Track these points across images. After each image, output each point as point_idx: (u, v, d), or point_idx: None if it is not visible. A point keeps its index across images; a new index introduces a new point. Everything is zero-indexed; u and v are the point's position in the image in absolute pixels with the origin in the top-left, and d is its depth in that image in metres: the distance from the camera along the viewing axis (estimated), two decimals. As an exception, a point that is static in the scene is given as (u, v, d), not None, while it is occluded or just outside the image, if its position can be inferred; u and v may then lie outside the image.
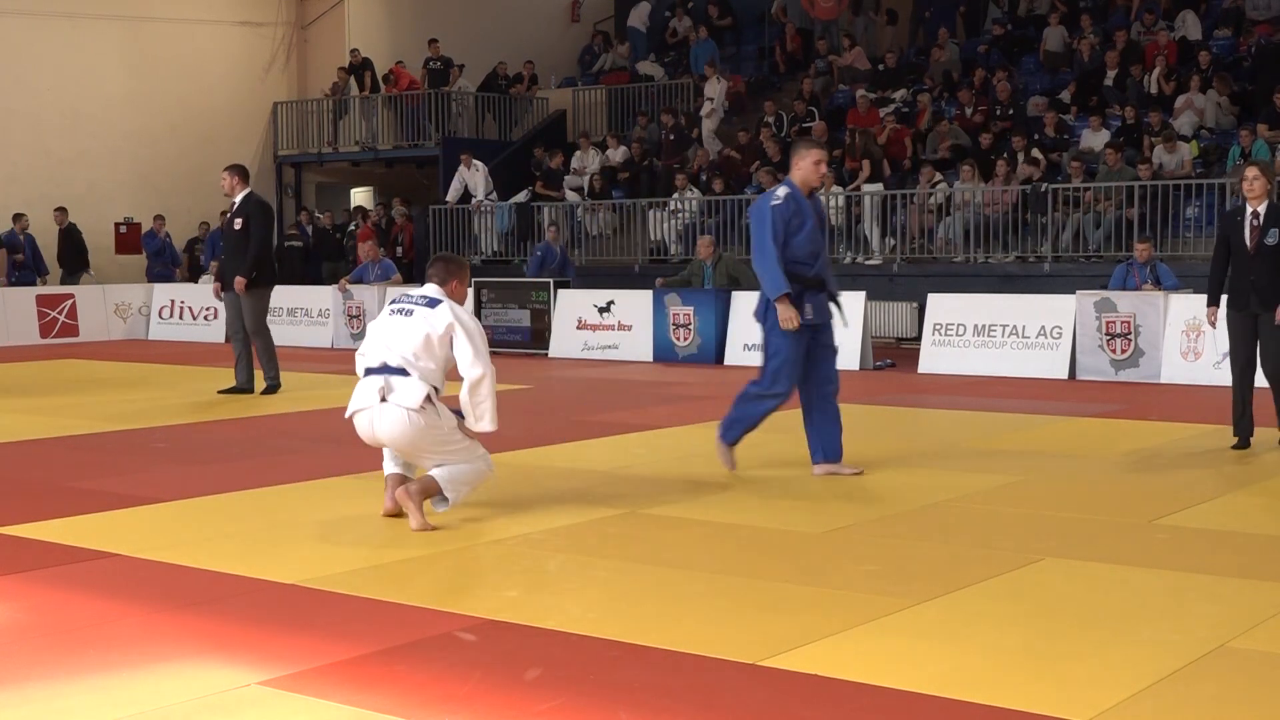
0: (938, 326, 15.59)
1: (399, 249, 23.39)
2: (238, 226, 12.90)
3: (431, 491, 7.01)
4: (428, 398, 6.91)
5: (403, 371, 6.95)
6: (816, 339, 8.43)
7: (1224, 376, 13.44)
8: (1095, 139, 19.11)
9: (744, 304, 16.85)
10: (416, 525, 6.87)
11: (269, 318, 13.34)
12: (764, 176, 20.91)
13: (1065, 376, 14.52)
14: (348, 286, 20.00)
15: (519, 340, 18.69)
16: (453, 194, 23.80)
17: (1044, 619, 5.25)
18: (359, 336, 19.59)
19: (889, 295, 18.44)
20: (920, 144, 21.16)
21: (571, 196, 23.31)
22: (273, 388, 13.21)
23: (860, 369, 15.61)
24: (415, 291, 7.29)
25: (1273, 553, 6.36)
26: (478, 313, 19.18)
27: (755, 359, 16.79)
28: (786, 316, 8.23)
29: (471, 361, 7.01)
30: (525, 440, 10.08)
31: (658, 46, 27.59)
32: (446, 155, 24.92)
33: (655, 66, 26.74)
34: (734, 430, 8.68)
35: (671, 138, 23.36)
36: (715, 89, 24.09)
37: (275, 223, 13.46)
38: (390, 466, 7.27)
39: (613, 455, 9.51)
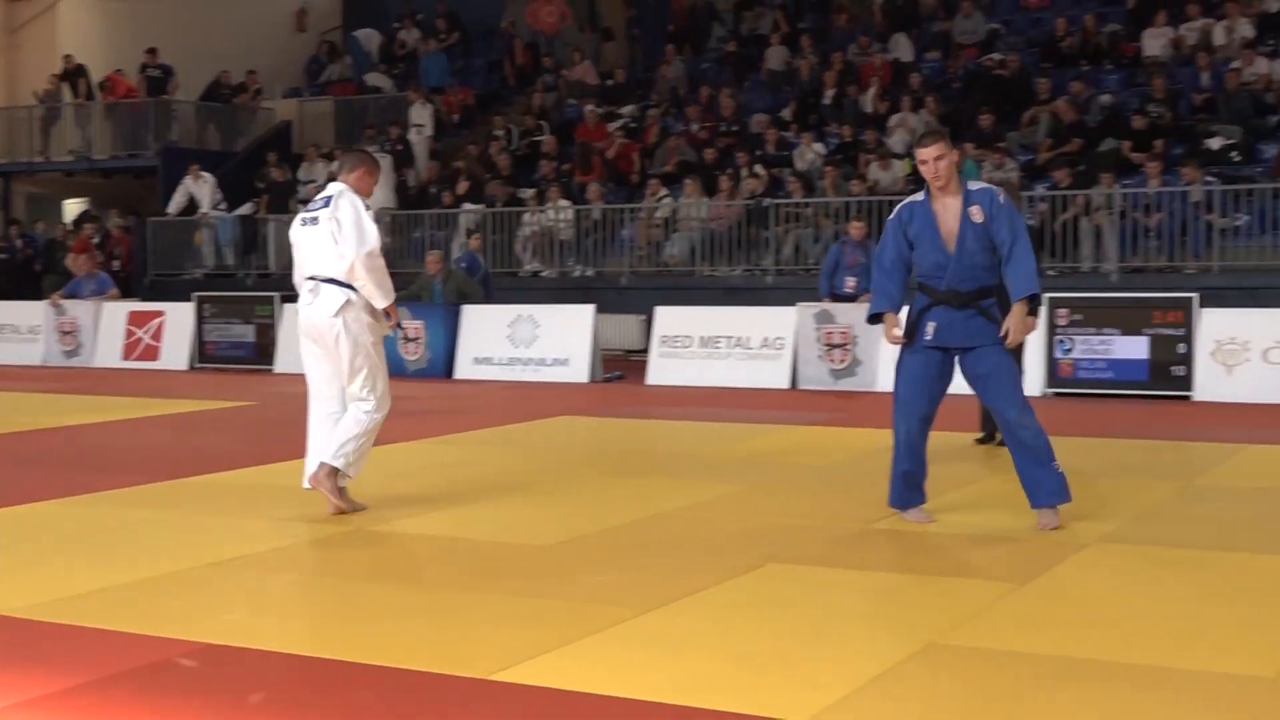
0: (665, 338, 15.84)
1: (115, 262, 22.56)
2: None
3: (334, 474, 7.46)
4: (347, 301, 7.50)
5: (330, 280, 7.51)
6: (963, 365, 7.16)
7: (936, 384, 14.06)
8: (807, 158, 19.76)
9: (473, 318, 16.84)
10: (333, 509, 7.44)
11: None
12: (495, 189, 20.94)
13: (787, 386, 14.92)
14: (60, 301, 19.21)
15: (243, 356, 18.27)
16: (175, 205, 23.10)
17: (766, 623, 5.38)
18: (73, 354, 18.86)
19: (618, 307, 18.62)
20: (648, 158, 21.48)
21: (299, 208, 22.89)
22: None
23: (590, 381, 15.77)
24: (321, 194, 7.79)
25: (977, 550, 6.63)
26: (199, 328, 18.69)
27: (486, 372, 16.89)
28: (888, 336, 7.23)
29: (341, 253, 7.43)
30: (248, 459, 9.85)
31: (386, 58, 27.32)
32: (166, 165, 24.19)
33: (384, 78, 26.47)
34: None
35: (399, 148, 23.13)
36: (422, 114, 23.86)
37: None
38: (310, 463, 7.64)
39: (341, 472, 9.35)
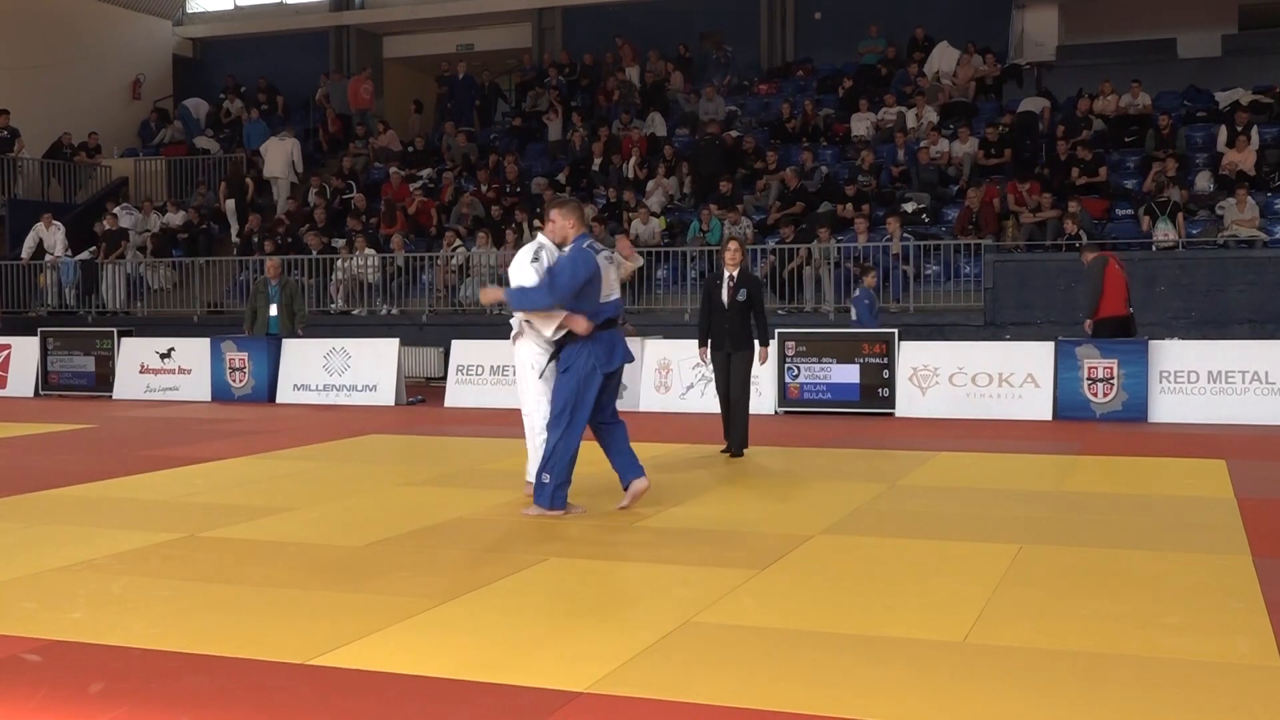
0: (460, 368, 15.70)
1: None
2: None
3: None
4: (518, 332, 7.79)
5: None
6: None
7: (687, 405, 14.28)
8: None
9: (292, 350, 16.42)
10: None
11: None
12: (311, 239, 20.48)
13: (565, 407, 14.89)
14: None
15: (84, 385, 17.47)
16: (27, 250, 22.03)
17: (549, 609, 5.35)
18: (-75, 383, 17.71)
19: (419, 341, 18.42)
20: (445, 214, 21.30)
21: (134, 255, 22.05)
22: None
23: (395, 404, 15.53)
24: None
25: (724, 543, 6.73)
26: (43, 359, 17.82)
27: (304, 397, 16.47)
28: None
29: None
30: (89, 474, 9.40)
31: (213, 124, 26.60)
32: (13, 215, 23.12)
33: (212, 141, 25.79)
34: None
35: (230, 202, 22.42)
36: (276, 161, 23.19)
37: None
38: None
39: (174, 485, 9.00)
